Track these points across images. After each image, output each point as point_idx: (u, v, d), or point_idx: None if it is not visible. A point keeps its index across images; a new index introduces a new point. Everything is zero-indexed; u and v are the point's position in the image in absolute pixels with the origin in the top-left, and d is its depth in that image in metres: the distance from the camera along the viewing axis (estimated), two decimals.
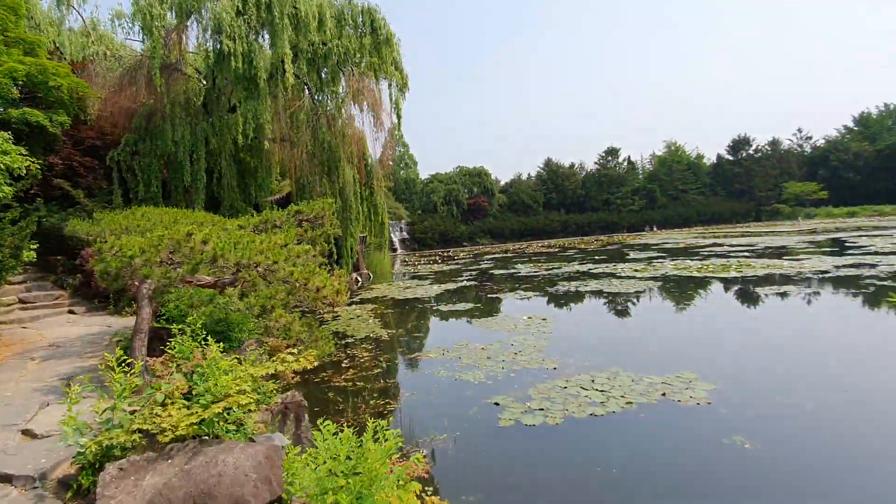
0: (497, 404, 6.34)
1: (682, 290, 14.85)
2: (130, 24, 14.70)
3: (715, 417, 5.46)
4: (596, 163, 66.83)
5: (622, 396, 6.29)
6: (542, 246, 45.15)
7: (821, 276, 15.11)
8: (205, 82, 16.35)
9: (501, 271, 24.59)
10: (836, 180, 65.90)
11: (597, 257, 28.40)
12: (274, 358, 3.85)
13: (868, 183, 63.94)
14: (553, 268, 24.09)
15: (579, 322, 11.62)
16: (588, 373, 7.32)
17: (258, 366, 3.60)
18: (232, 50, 12.69)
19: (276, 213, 7.78)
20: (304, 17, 13.91)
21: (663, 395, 6.29)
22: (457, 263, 32.00)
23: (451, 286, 19.80)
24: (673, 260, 23.25)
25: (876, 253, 20.09)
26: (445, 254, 44.43)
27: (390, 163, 16.62)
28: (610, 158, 65.63)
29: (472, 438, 5.48)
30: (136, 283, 5.73)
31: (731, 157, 72.40)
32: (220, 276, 5.83)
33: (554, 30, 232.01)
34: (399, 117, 17.75)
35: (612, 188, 63.10)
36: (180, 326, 5.03)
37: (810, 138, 74.96)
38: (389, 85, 17.79)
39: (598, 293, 15.16)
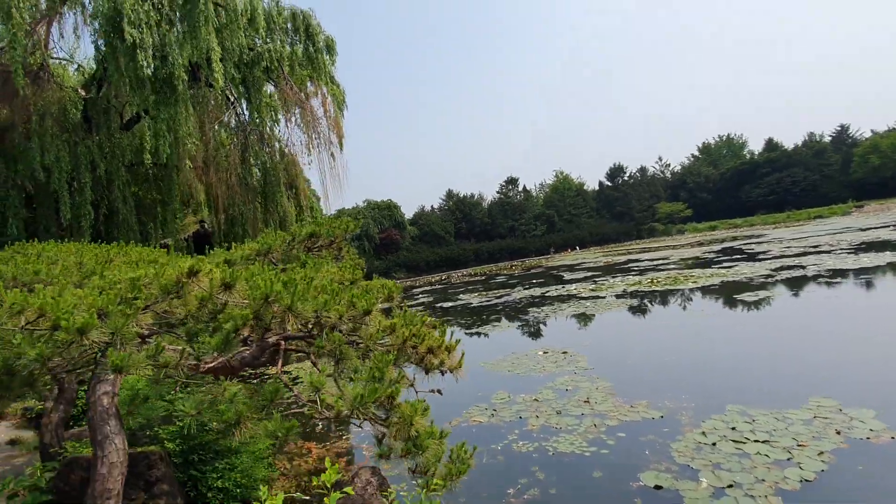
0: (659, 487, 4.47)
1: (661, 304, 14.43)
2: None
3: None
4: (498, 192, 69.26)
5: (800, 446, 4.85)
6: (464, 275, 44.31)
7: (772, 279, 15.79)
8: (83, 92, 12.51)
9: (450, 304, 22.76)
10: (694, 200, 76.16)
11: (534, 281, 28.01)
12: None
13: (719, 200, 75.01)
14: (502, 295, 22.91)
15: (610, 350, 10.20)
16: (711, 417, 5.81)
17: None
18: (138, 41, 9.53)
19: (273, 240, 5.20)
20: (232, 9, 11.23)
21: (838, 433, 4.99)
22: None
23: None
24: (613, 277, 23.54)
25: (782, 256, 22.22)
26: None
27: (340, 188, 14.11)
28: (510, 187, 68.44)
29: None
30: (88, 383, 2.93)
31: (609, 184, 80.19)
32: (241, 350, 3.25)
33: (450, 69, 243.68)
34: (340, 137, 15.46)
35: (516, 215, 65.50)
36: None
37: (669, 165, 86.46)
38: (324, 101, 15.51)
39: (583, 316, 14.10)
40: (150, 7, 9.97)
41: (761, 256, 23.56)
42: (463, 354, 3.65)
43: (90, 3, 10.58)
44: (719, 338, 9.92)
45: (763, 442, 5.04)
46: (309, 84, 15.28)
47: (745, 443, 5.08)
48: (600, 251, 53.65)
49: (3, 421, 6.01)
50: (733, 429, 5.43)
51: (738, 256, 25.22)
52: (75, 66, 14.56)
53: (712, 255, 27.93)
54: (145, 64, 9.74)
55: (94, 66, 13.02)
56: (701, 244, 40.48)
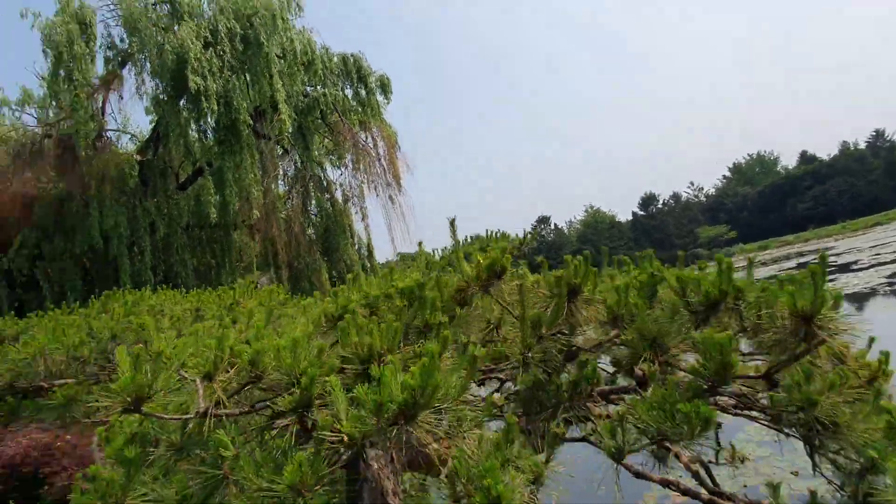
0: None
1: None
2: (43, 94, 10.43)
3: None
4: (529, 232, 68.06)
5: None
6: None
7: None
8: (138, 157, 12.06)
9: None
10: (735, 221, 73.20)
11: None
12: None
13: (762, 218, 71.83)
14: None
15: None
16: None
17: None
18: (202, 88, 8.92)
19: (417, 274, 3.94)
20: (291, 53, 10.72)
21: None
22: None
23: None
24: None
25: (878, 264, 19.90)
26: None
27: (406, 230, 13.12)
28: (543, 226, 67.25)
29: None
30: None
31: (643, 213, 78.15)
32: None
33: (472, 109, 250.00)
34: (398, 178, 14.59)
35: (552, 254, 63.80)
36: None
37: (702, 189, 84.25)
38: (375, 143, 14.82)
39: None
40: (213, 54, 9.47)
41: (854, 267, 21.22)
42: None
43: (147, 61, 10.20)
44: None
45: None
46: (359, 127, 14.69)
47: None
48: None
49: None
50: None
51: (829, 269, 22.78)
52: (128, 136, 14.43)
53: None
54: (209, 111, 9.10)
55: (149, 132, 12.71)
56: (765, 264, 37.71)
